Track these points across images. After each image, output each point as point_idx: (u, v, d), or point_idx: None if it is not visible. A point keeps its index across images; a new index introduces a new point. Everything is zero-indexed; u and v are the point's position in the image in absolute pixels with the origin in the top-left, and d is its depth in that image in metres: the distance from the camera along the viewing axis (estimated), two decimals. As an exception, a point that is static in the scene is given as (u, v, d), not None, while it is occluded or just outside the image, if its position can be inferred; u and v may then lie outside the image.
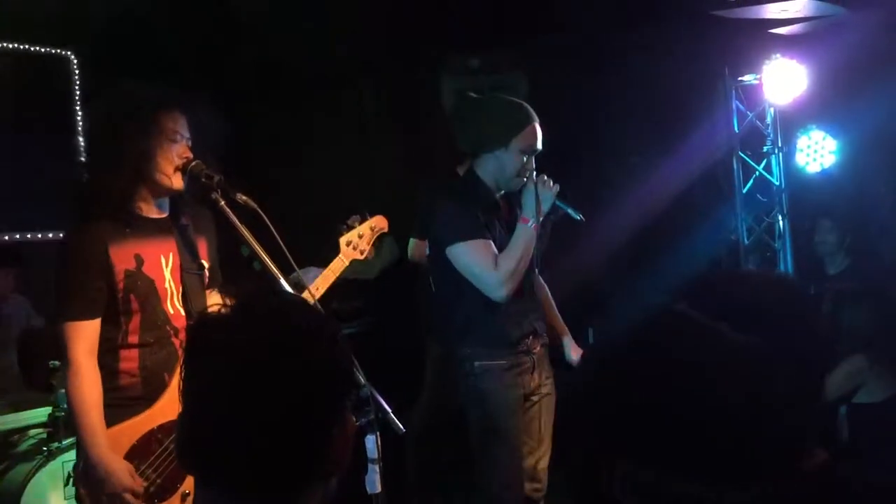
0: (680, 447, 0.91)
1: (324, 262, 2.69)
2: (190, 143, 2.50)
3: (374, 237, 2.79)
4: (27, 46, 4.70)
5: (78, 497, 2.44)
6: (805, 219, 5.49)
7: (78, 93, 4.92)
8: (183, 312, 2.55)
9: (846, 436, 3.49)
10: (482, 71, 5.80)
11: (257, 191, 2.72)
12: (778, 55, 5.05)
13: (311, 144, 5.17)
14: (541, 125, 3.12)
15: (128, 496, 2.36)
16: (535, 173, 3.09)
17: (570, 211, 3.11)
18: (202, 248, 2.65)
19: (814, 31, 5.14)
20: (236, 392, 1.12)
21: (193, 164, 2.47)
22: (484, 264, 2.98)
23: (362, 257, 2.74)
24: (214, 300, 2.71)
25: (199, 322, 1.21)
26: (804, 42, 5.09)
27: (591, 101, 5.32)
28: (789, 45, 5.10)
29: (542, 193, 3.06)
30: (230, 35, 4.93)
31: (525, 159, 3.07)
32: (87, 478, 2.40)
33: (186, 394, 1.18)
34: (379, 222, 2.83)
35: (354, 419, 1.24)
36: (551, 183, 3.08)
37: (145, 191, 2.49)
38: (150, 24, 4.67)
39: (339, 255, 2.71)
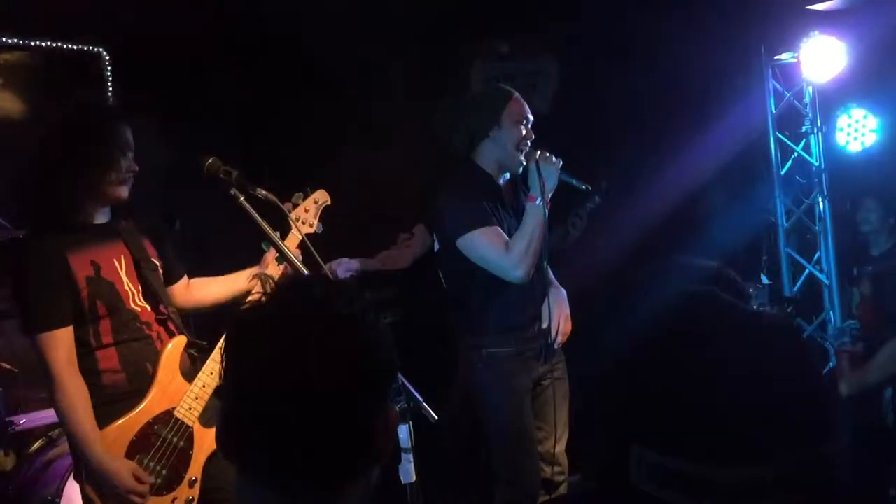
0: (704, 430, 0.89)
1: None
2: (132, 156, 2.54)
3: (320, 210, 2.83)
4: (59, 43, 4.74)
5: (85, 498, 2.47)
6: (846, 200, 5.37)
7: (110, 90, 4.95)
8: (149, 308, 2.60)
9: (892, 420, 3.41)
10: (512, 56, 5.75)
11: (286, 181, 2.72)
12: (816, 32, 4.92)
13: (341, 133, 5.16)
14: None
15: (133, 497, 2.40)
16: (537, 152, 3.08)
17: (574, 182, 3.11)
18: (148, 246, 2.69)
19: (853, 7, 5.00)
20: (277, 382, 1.10)
21: (210, 161, 2.51)
22: (496, 249, 3.00)
23: (312, 230, 2.79)
24: (214, 288, 2.79)
25: (238, 312, 1.20)
26: (843, 18, 4.95)
27: (623, 82, 5.23)
28: (828, 21, 4.96)
29: (545, 169, 3.04)
30: (259, 24, 4.93)
31: (522, 131, 3.10)
32: (92, 480, 2.43)
33: (227, 386, 1.16)
34: (321, 196, 2.85)
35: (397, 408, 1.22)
36: (553, 158, 3.07)
37: (93, 200, 2.53)
38: (180, 18, 4.69)
39: (292, 232, 2.73)
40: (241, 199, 2.50)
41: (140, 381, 2.53)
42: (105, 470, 2.38)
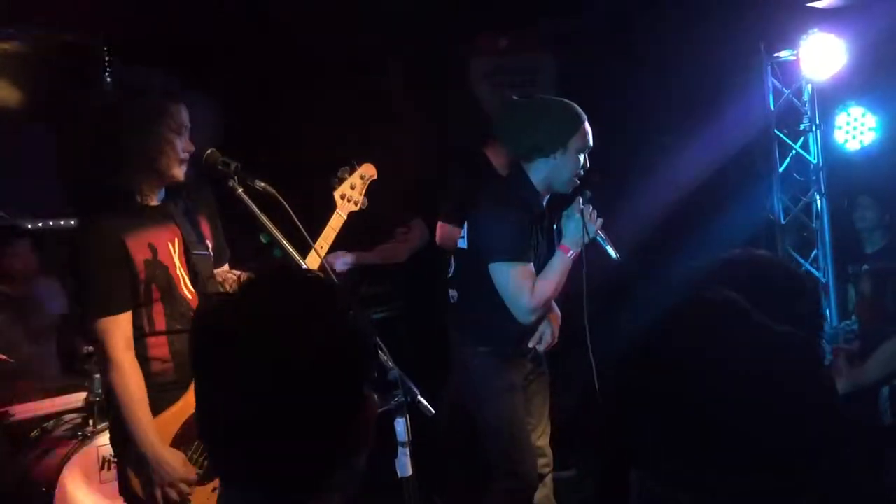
0: (705, 439, 0.86)
1: (322, 221, 2.67)
2: (191, 135, 2.49)
3: (366, 186, 2.75)
4: (57, 34, 4.72)
5: (125, 486, 2.46)
6: (843, 198, 5.37)
7: (108, 80, 4.93)
8: (197, 296, 2.55)
9: (889, 419, 3.41)
10: (510, 52, 5.74)
11: (284, 176, 2.70)
12: (815, 29, 4.91)
13: (339, 128, 5.15)
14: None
15: (183, 486, 2.40)
16: (580, 199, 3.08)
17: (608, 249, 3.11)
18: (205, 228, 2.63)
19: (853, 4, 4.99)
20: (247, 379, 1.08)
21: (209, 152, 2.48)
22: (522, 289, 3.03)
23: (357, 208, 2.71)
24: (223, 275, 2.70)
25: (203, 310, 1.17)
26: (843, 15, 4.94)
27: (621, 80, 5.22)
28: (827, 18, 4.95)
29: (588, 225, 3.06)
30: (256, 20, 4.92)
31: (581, 159, 3.09)
32: (140, 467, 2.41)
33: (198, 385, 1.14)
34: (367, 170, 2.78)
35: (376, 397, 1.20)
36: (595, 215, 3.09)
37: (150, 182, 2.48)
38: (178, 11, 4.67)
39: (336, 211, 2.66)
40: (240, 190, 2.47)
41: (185, 374, 2.48)
42: (158, 458, 2.38)
